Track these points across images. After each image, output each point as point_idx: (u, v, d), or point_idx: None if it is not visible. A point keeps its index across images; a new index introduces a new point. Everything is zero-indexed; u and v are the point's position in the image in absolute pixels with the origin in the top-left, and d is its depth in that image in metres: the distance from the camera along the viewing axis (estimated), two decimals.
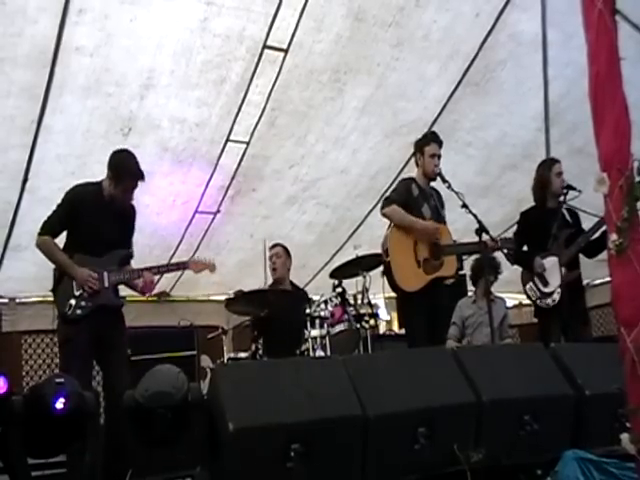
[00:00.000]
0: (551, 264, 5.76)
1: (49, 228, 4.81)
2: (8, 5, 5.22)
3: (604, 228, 5.54)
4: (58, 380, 3.70)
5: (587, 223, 5.83)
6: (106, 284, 4.81)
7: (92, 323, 4.70)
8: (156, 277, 5.11)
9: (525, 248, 6.00)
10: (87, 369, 4.73)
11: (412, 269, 5.38)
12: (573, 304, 5.72)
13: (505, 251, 5.69)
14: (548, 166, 5.97)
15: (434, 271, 5.41)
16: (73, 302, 4.70)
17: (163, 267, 5.20)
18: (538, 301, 5.85)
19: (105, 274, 4.81)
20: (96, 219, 4.78)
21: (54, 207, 4.89)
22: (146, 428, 3.52)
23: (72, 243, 4.85)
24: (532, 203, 6.11)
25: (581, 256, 5.90)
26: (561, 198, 5.77)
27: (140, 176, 4.86)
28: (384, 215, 5.52)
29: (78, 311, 4.70)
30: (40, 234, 4.82)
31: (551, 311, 5.76)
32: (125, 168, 4.83)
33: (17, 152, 6.23)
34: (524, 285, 5.96)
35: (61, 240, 4.92)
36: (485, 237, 5.31)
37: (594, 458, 3.70)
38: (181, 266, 5.38)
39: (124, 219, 5.03)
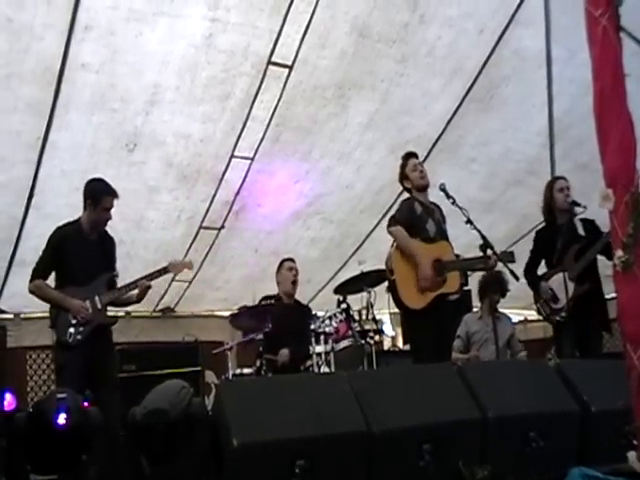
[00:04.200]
0: (559, 282, 5.76)
1: (40, 273, 5.23)
2: (15, 22, 5.26)
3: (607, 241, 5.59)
4: (60, 395, 3.70)
5: None
6: (99, 306, 5.23)
7: (89, 347, 5.09)
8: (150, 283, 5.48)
9: (542, 264, 6.08)
10: (80, 393, 4.93)
11: (416, 287, 5.37)
12: (589, 317, 5.73)
13: (507, 265, 5.67)
14: (550, 184, 6.10)
15: (438, 288, 5.38)
16: (72, 330, 5.09)
17: (147, 276, 5.51)
18: (550, 317, 5.85)
19: (96, 298, 5.22)
20: (80, 253, 5.20)
21: (39, 247, 5.29)
22: (146, 445, 3.52)
23: (62, 278, 5.24)
24: (536, 219, 6.14)
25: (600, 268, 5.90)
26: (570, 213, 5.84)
27: (114, 193, 5.27)
28: (390, 233, 5.52)
29: (79, 337, 5.09)
30: (31, 280, 5.23)
31: (563, 326, 5.76)
32: (100, 189, 5.28)
33: (23, 168, 6.25)
34: (535, 302, 5.98)
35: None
36: (489, 252, 5.33)
37: (600, 476, 3.67)
38: (162, 272, 5.67)
39: (105, 249, 5.44)
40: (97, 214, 5.25)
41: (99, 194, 5.23)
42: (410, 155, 5.81)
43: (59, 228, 5.30)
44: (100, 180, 5.33)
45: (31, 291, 5.23)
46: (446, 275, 5.42)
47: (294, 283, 6.72)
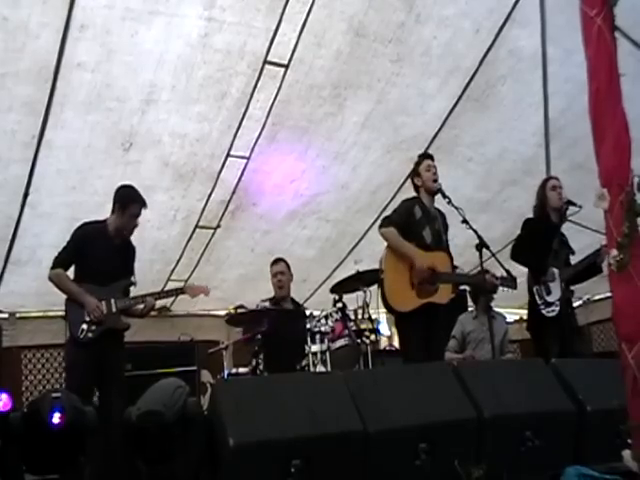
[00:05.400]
0: (554, 276, 5.79)
1: (61, 262, 5.24)
2: (10, 20, 5.24)
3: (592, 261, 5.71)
4: (55, 395, 3.69)
5: (588, 240, 5.84)
6: (114, 309, 5.24)
7: (99, 346, 5.09)
8: (157, 302, 5.57)
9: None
10: (89, 391, 5.10)
11: (405, 290, 5.31)
12: (570, 320, 5.81)
13: (504, 289, 5.68)
14: (543, 183, 6.13)
15: (428, 296, 5.32)
16: (85, 327, 5.11)
17: (162, 293, 5.70)
18: (542, 306, 5.84)
19: (112, 301, 5.24)
20: (102, 253, 5.23)
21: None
22: (141, 446, 3.51)
23: (81, 274, 5.26)
24: None
25: None
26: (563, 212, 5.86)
27: (143, 201, 5.36)
28: (381, 235, 5.46)
29: (90, 334, 5.11)
30: (52, 268, 5.23)
31: (549, 324, 5.77)
32: (130, 196, 5.35)
33: (18, 167, 6.23)
34: (531, 286, 5.94)
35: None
36: (488, 276, 5.43)
37: (596, 475, 3.69)
38: (178, 291, 5.81)
39: (126, 254, 5.50)
40: (124, 220, 5.30)
41: (127, 200, 5.30)
42: (427, 156, 5.76)
43: (85, 224, 5.35)
44: (130, 187, 5.40)
45: (50, 278, 5.21)
46: (438, 285, 5.39)
47: (281, 288, 6.71)
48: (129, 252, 5.52)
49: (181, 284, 8.14)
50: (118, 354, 5.31)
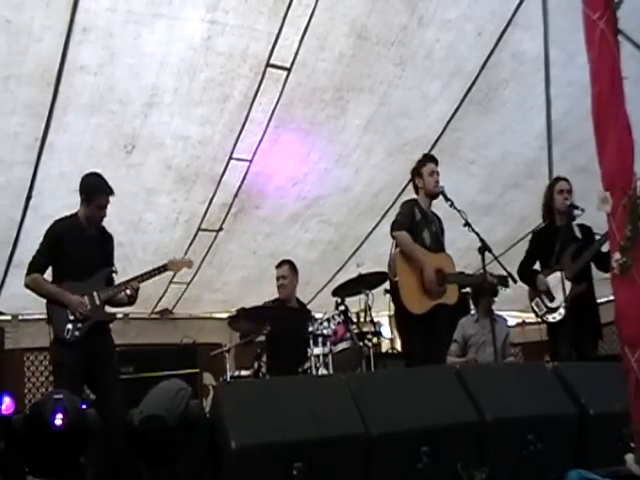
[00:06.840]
0: (557, 280, 5.76)
1: (36, 266, 5.08)
2: (13, 24, 5.25)
3: (598, 248, 5.63)
4: (57, 396, 3.69)
5: None
6: (97, 302, 5.08)
7: (86, 343, 4.94)
8: (141, 284, 5.32)
9: (538, 265, 6.04)
10: (78, 391, 4.88)
11: (418, 293, 5.38)
12: (584, 319, 5.71)
13: (501, 288, 5.71)
14: (551, 185, 6.08)
15: (437, 297, 5.42)
16: (70, 326, 4.94)
17: (146, 274, 5.41)
18: (544, 316, 5.83)
19: (95, 293, 5.08)
20: (78, 247, 5.07)
21: (37, 246, 5.13)
22: (143, 450, 3.51)
23: (60, 273, 5.08)
24: (535, 221, 6.13)
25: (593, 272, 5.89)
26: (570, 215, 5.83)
27: (109, 191, 5.11)
28: (394, 238, 5.51)
29: (76, 333, 4.94)
30: (27, 274, 5.07)
31: (559, 327, 5.74)
32: (94, 186, 5.12)
33: (21, 169, 6.24)
34: (530, 301, 5.96)
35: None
36: (489, 277, 5.43)
37: (598, 478, 3.68)
38: (162, 269, 5.57)
39: (103, 243, 5.31)
40: (90, 211, 5.11)
41: (92, 192, 5.08)
42: (432, 158, 5.80)
43: (57, 221, 5.16)
44: (95, 175, 5.17)
45: (27, 285, 5.06)
46: (446, 286, 5.44)
47: (281, 291, 6.75)
48: (106, 240, 5.33)
49: (183, 287, 8.21)
50: (108, 350, 5.16)
